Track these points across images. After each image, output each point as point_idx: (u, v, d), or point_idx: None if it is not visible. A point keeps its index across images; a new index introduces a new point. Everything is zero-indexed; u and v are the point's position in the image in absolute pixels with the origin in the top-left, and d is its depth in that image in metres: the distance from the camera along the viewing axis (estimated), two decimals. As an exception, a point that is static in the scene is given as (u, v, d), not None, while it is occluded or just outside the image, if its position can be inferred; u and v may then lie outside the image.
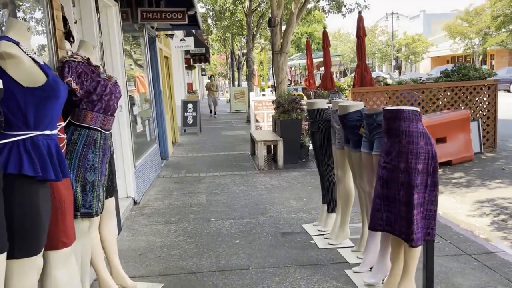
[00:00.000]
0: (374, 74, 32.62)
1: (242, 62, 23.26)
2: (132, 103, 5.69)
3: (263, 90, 19.34)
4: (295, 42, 55.94)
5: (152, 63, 8.09)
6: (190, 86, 25.23)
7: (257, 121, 10.66)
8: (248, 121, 15.24)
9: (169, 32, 9.14)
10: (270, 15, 7.93)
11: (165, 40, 10.44)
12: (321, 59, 24.01)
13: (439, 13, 45.72)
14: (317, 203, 4.98)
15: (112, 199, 3.01)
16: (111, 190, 2.97)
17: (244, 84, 27.40)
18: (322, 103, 4.06)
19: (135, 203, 5.33)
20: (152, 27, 7.44)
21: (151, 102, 7.09)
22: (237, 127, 14.22)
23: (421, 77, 22.97)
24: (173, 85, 10.83)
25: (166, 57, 10.31)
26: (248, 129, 13.06)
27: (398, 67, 50.17)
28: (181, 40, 11.54)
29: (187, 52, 16.84)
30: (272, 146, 8.01)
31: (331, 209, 4.15)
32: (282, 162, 7.37)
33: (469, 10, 32.13)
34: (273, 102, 8.51)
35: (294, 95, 8.04)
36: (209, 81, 17.91)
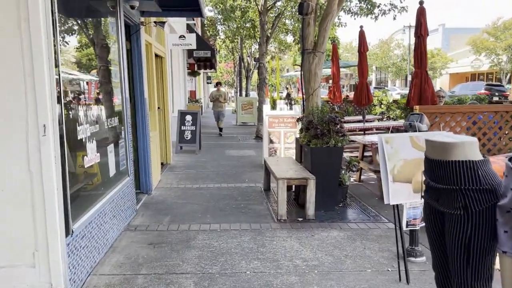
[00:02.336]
0: (391, 90, 30.09)
1: (252, 70, 21.02)
2: (74, 119, 3.36)
3: (273, 102, 17.06)
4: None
5: (133, 60, 5.80)
6: (193, 95, 23.00)
7: (271, 141, 8.32)
8: (258, 137, 12.93)
9: (162, 19, 6.85)
10: None
11: (158, 34, 8.16)
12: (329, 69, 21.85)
13: (460, 27, 43.52)
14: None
15: None
16: None
17: (253, 94, 25.15)
18: (472, 148, 1.72)
19: (64, 298, 2.97)
20: (133, 7, 5.15)
21: (123, 116, 4.76)
22: (245, 144, 11.87)
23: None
24: (166, 91, 8.53)
25: (158, 56, 8.03)
26: (258, 149, 10.72)
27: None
28: (180, 36, 9.28)
29: (190, 54, 14.60)
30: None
31: None
32: (313, 210, 5.01)
33: (497, 24, 29.86)
34: (298, 120, 6.18)
35: (333, 112, 5.69)
36: (215, 89, 14.59)
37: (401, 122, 9.17)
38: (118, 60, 4.71)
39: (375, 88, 38.83)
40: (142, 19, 5.96)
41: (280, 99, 16.59)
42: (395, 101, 11.42)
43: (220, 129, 14.19)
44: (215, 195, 6.18)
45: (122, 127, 4.73)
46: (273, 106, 17.07)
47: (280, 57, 16.35)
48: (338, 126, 5.21)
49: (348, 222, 4.92)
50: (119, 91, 4.72)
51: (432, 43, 43.71)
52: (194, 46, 9.32)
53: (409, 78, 48.86)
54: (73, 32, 3.58)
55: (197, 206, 5.59)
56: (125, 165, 4.80)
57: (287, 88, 19.95)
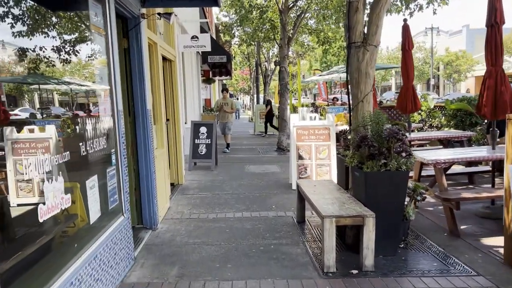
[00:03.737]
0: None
1: (270, 75, 19.78)
2: (22, 148, 2.14)
3: (294, 109, 15.76)
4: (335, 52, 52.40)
5: (131, 63, 4.60)
6: (208, 103, 21.85)
7: (300, 157, 7.01)
8: (280, 149, 11.64)
9: (168, 10, 5.63)
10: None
11: (166, 34, 6.98)
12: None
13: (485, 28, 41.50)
14: None
15: None
16: None
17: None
18: None
19: None
20: (128, -7, 3.95)
21: (114, 135, 3.53)
22: (266, 158, 10.58)
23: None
24: (177, 100, 7.33)
25: (166, 59, 6.84)
26: (281, 163, 9.43)
27: (436, 87, 45.95)
28: (192, 37, 8.09)
29: (204, 59, 13.44)
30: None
31: None
32: (372, 258, 3.68)
33: (530, 22, 27.95)
34: (342, 134, 4.87)
35: (397, 124, 4.36)
36: (221, 97, 12.34)
37: (451, 132, 7.75)
38: (107, 62, 3.50)
39: (396, 93, 37.14)
40: (144, 10, 4.75)
41: (302, 106, 15.28)
42: (437, 107, 10.02)
43: (228, 145, 11.82)
44: (237, 230, 4.89)
45: (113, 150, 3.50)
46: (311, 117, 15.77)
47: (298, 61, 15.03)
48: (402, 144, 3.87)
49: (421, 276, 3.57)
50: (109, 102, 3.50)
51: (455, 45, 41.90)
52: (208, 48, 8.12)
53: (432, 82, 47.04)
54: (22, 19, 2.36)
55: (214, 248, 4.30)
56: (118, 200, 3.56)
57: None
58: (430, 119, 9.85)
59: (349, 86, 4.41)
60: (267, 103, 16.73)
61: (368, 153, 3.94)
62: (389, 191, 3.90)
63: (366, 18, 4.40)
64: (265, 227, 4.98)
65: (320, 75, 17.85)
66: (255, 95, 22.13)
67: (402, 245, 4.24)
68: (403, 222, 4.19)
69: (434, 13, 10.66)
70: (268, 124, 16.32)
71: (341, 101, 17.38)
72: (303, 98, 24.36)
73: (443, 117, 9.34)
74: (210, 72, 19.59)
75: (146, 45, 4.88)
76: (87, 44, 3.12)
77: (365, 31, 4.31)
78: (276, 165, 9.37)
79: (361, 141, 3.92)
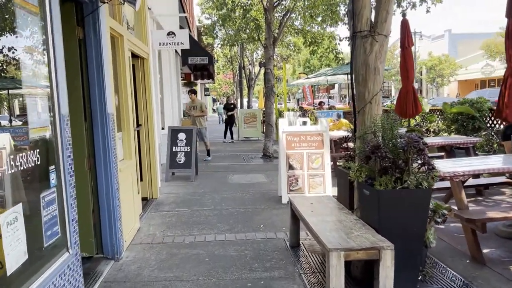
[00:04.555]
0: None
1: (254, 79, 19.03)
2: None
3: (279, 114, 15.03)
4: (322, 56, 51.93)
5: (88, 57, 3.74)
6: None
7: (291, 167, 6.23)
8: (266, 156, 10.86)
9: None
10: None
11: (138, 27, 6.14)
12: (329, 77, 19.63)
13: (467, 33, 41.83)
14: None
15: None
16: None
17: (255, 105, 23.12)
18: None
19: None
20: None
21: (54, 147, 2.67)
22: (252, 166, 9.76)
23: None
24: (150, 103, 6.47)
25: (138, 56, 5.99)
26: (269, 172, 8.63)
27: (420, 91, 45.96)
28: (168, 34, 7.25)
29: (184, 60, 12.58)
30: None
31: None
32: (390, 300, 2.90)
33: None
34: (345, 142, 4.11)
35: (413, 131, 3.61)
36: (189, 100, 10.24)
37: (455, 138, 7.09)
38: (45, 53, 2.65)
39: (384, 97, 36.90)
40: (102, -8, 3.90)
41: (288, 110, 14.55)
42: (434, 110, 9.40)
43: (208, 152, 10.53)
44: (219, 258, 4.05)
45: (52, 167, 2.64)
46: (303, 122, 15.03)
47: (283, 64, 14.29)
48: (423, 154, 3.12)
49: (453, 324, 2.81)
50: (46, 104, 2.64)
51: (438, 49, 41.96)
52: (187, 46, 7.29)
53: (415, 86, 47.04)
54: None
55: (189, 286, 3.46)
56: (59, 233, 2.69)
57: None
58: (426, 124, 9.21)
59: (354, 84, 3.64)
60: (234, 106, 16.30)
61: (380, 166, 3.18)
62: (407, 214, 3.13)
63: (373, 3, 3.65)
64: (253, 254, 4.16)
65: (307, 78, 17.17)
66: (238, 99, 21.33)
67: (420, 277, 3.47)
68: (421, 250, 3.43)
69: (428, 11, 10.09)
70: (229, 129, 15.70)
71: (328, 105, 16.74)
72: (287, 103, 23.64)
73: (441, 122, 8.70)
74: (192, 75, 18.73)
75: (107, 36, 4.02)
76: (5, 25, 2.26)
77: (372, 19, 3.55)
78: (262, 174, 8.56)
79: (373, 152, 3.15)
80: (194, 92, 10.08)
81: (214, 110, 48.11)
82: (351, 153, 4.00)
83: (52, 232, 2.59)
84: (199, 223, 5.24)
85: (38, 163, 2.43)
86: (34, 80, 2.52)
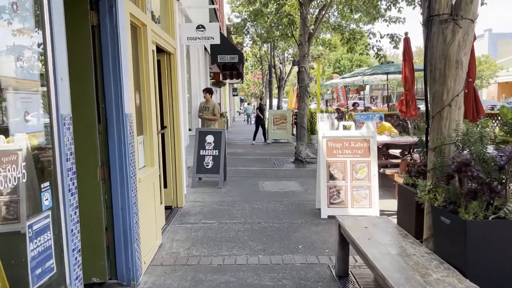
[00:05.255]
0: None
1: (285, 78, 18.30)
2: None
3: (311, 116, 14.25)
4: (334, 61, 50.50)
5: (102, 47, 3.17)
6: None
7: (332, 177, 5.51)
8: (298, 160, 10.13)
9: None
10: None
11: (164, 18, 5.56)
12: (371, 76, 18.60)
13: (508, 32, 39.70)
14: None
15: None
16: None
17: (285, 106, 22.39)
18: None
19: None
20: None
21: (53, 157, 2.07)
22: (283, 172, 9.07)
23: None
24: (177, 103, 5.88)
25: (164, 51, 5.41)
26: (302, 178, 7.93)
27: (456, 93, 43.95)
28: (198, 27, 6.66)
29: (213, 58, 12.02)
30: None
31: None
32: None
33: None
34: (409, 151, 3.36)
35: (507, 142, 2.84)
36: (204, 100, 8.89)
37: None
38: (42, 34, 2.06)
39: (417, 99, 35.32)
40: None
41: (322, 111, 13.75)
42: (490, 115, 8.44)
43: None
44: (252, 289, 3.39)
45: (46, 185, 2.04)
46: (312, 122, 14.25)
47: (317, 63, 13.48)
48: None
49: None
50: (38, 102, 2.04)
51: (478, 50, 40.01)
52: (217, 40, 6.68)
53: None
54: None
55: (218, 328, 2.81)
56: (54, 269, 2.09)
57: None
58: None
59: (427, 82, 2.90)
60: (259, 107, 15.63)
61: (468, 189, 2.43)
62: (507, 252, 2.37)
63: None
64: (292, 285, 3.47)
65: (342, 78, 16.30)
66: (267, 100, 20.68)
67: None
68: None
69: (482, 3, 9.08)
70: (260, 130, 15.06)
71: (364, 106, 15.83)
72: (314, 104, 22.69)
73: (498, 128, 7.75)
74: (221, 74, 18.21)
75: (126, 23, 3.43)
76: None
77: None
78: (296, 182, 7.86)
79: (459, 170, 2.40)
80: (209, 91, 8.78)
81: (239, 112, 47.69)
82: (421, 167, 3.24)
83: (43, 270, 1.99)
84: (229, 240, 4.60)
85: (23, 181, 1.82)
86: (20, 70, 1.92)
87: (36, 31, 2.04)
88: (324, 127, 5.66)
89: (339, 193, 5.50)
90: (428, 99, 2.91)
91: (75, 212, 2.30)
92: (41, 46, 2.05)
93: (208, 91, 8.65)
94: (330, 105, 38.34)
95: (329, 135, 5.60)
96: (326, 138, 5.59)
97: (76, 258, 2.29)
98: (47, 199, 2.03)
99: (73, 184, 2.29)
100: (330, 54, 29.04)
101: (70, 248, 2.22)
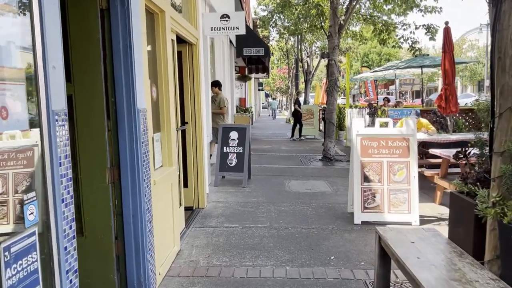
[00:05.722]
0: (463, 97, 25.39)
1: (312, 72, 17.72)
2: None
3: (339, 110, 13.67)
4: (362, 56, 48.98)
5: (113, 34, 2.80)
6: (243, 103, 20.11)
7: (366, 178, 5.01)
8: (326, 157, 9.64)
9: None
10: None
11: (187, 8, 5.19)
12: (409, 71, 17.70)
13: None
14: None
15: None
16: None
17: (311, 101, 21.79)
18: None
19: None
20: None
21: (42, 162, 1.70)
22: (310, 170, 8.60)
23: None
24: (199, 97, 5.51)
25: (185, 41, 5.04)
26: (331, 178, 7.44)
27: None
28: (222, 17, 6.26)
29: (239, 51, 11.63)
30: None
31: None
32: None
33: None
34: (463, 155, 2.87)
35: None
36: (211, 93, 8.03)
37: None
38: (30, 19, 1.69)
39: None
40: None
41: (350, 107, 13.16)
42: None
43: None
44: (279, 310, 2.97)
45: (31, 196, 1.68)
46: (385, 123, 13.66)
47: (347, 56, 12.85)
48: None
49: None
50: (21, 94, 1.68)
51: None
52: (242, 31, 6.26)
53: (486, 83, 43.11)
54: None
55: None
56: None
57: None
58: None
59: (494, 72, 2.39)
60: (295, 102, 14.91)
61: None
62: None
63: None
64: (325, 305, 3.04)
65: (374, 71, 15.57)
66: (293, 94, 20.15)
67: None
68: None
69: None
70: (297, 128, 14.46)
71: (395, 101, 15.10)
72: (341, 99, 21.71)
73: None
74: (246, 69, 17.81)
75: (140, 8, 3.05)
76: None
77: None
78: (324, 182, 7.38)
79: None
80: (216, 84, 8.04)
81: (264, 106, 47.14)
82: (482, 173, 2.74)
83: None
84: (253, 248, 4.19)
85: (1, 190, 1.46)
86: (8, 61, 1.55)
87: (21, 8, 1.68)
88: (359, 124, 5.16)
89: (374, 196, 5.00)
90: (495, 93, 2.40)
91: (71, 227, 1.94)
92: (24, 24, 1.68)
93: (215, 84, 8.03)
94: (357, 100, 37.30)
95: (364, 132, 5.10)
96: (360, 136, 5.09)
97: (71, 281, 1.93)
98: (31, 213, 1.67)
99: (68, 193, 1.92)
100: (358, 47, 28.12)
101: (63, 270, 1.86)
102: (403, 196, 4.98)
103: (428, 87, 53.95)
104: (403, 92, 58.18)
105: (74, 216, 1.97)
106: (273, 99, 42.83)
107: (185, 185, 5.38)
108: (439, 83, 53.43)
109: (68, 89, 2.73)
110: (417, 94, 54.59)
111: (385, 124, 5.29)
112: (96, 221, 2.87)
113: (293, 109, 14.26)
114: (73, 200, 1.95)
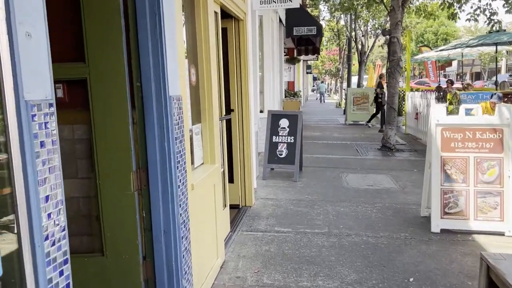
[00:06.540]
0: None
1: (367, 53, 16.49)
2: None
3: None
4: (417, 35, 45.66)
5: (137, 8, 2.10)
6: (291, 86, 19.23)
7: (448, 178, 4.12)
8: (386, 147, 8.70)
9: None
10: None
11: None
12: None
13: None
14: None
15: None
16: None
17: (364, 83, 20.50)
18: None
19: None
20: None
21: (11, 185, 1.09)
22: (369, 162, 7.71)
23: None
24: (247, 82, 4.82)
25: (231, 16, 4.34)
26: (394, 171, 6.54)
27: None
28: (272, -11, 5.48)
29: (288, 31, 10.78)
30: None
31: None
32: None
33: None
34: None
35: None
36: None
37: None
38: None
39: (510, 75, 30.64)
40: None
41: (411, 90, 11.95)
42: None
43: None
44: None
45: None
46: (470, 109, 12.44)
47: (407, 33, 11.57)
48: None
49: None
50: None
51: None
52: (295, 3, 5.49)
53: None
54: None
55: None
56: None
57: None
58: None
59: None
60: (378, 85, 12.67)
61: None
62: None
63: None
64: None
65: (440, 50, 14.11)
66: (345, 77, 18.99)
67: None
68: None
69: None
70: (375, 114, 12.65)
71: (462, 83, 13.61)
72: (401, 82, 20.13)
73: None
74: (295, 50, 16.89)
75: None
76: None
77: None
78: (387, 176, 6.50)
79: None
80: None
81: (313, 89, 45.72)
82: None
83: None
84: (310, 261, 3.50)
85: None
86: None
87: None
88: (439, 111, 4.24)
89: (457, 200, 4.11)
90: None
91: (65, 261, 1.32)
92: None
93: None
94: (412, 82, 35.04)
95: (446, 122, 4.19)
96: (441, 126, 4.19)
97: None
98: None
99: (57, 223, 1.30)
100: (416, 26, 26.16)
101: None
102: (494, 200, 4.05)
103: (490, 68, 49.69)
104: (461, 74, 54.32)
105: (67, 248, 1.35)
106: (322, 82, 41.38)
107: (231, 180, 4.76)
108: (503, 64, 49.11)
109: (82, 71, 2.13)
110: (477, 76, 50.54)
111: (473, 112, 4.34)
112: (120, 238, 2.29)
113: (374, 95, 12.46)
114: (66, 233, 1.33)
